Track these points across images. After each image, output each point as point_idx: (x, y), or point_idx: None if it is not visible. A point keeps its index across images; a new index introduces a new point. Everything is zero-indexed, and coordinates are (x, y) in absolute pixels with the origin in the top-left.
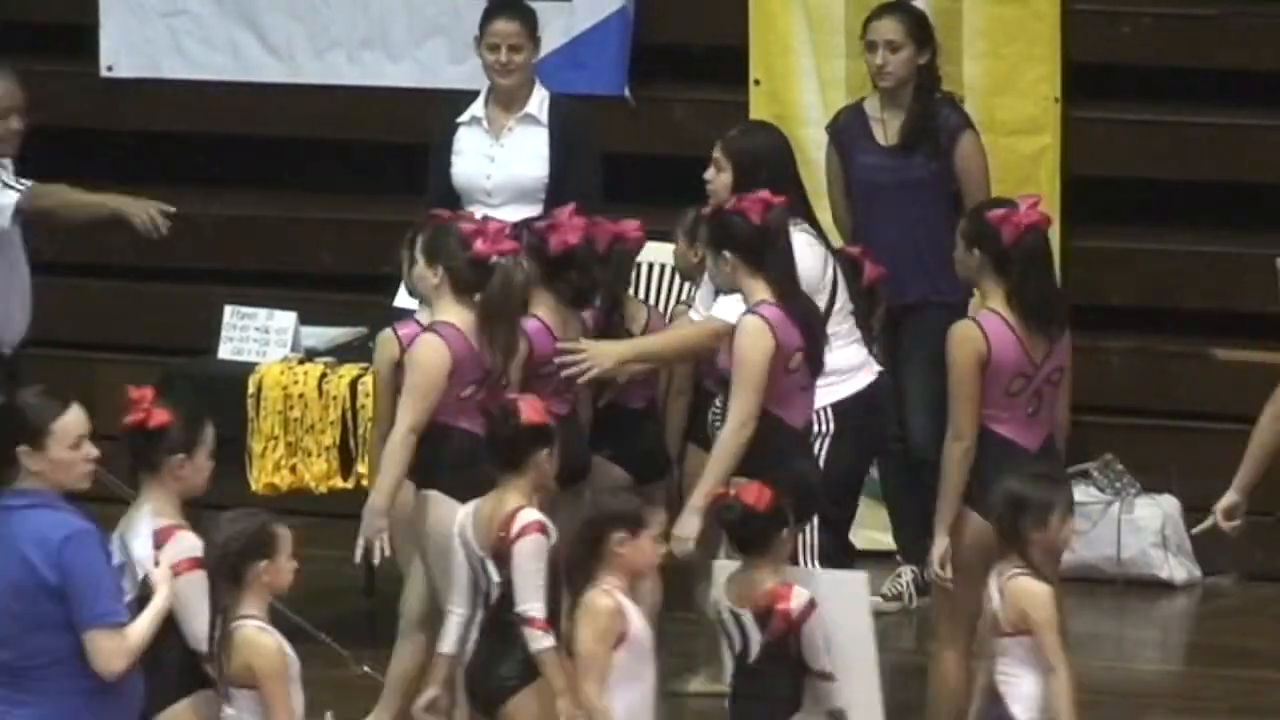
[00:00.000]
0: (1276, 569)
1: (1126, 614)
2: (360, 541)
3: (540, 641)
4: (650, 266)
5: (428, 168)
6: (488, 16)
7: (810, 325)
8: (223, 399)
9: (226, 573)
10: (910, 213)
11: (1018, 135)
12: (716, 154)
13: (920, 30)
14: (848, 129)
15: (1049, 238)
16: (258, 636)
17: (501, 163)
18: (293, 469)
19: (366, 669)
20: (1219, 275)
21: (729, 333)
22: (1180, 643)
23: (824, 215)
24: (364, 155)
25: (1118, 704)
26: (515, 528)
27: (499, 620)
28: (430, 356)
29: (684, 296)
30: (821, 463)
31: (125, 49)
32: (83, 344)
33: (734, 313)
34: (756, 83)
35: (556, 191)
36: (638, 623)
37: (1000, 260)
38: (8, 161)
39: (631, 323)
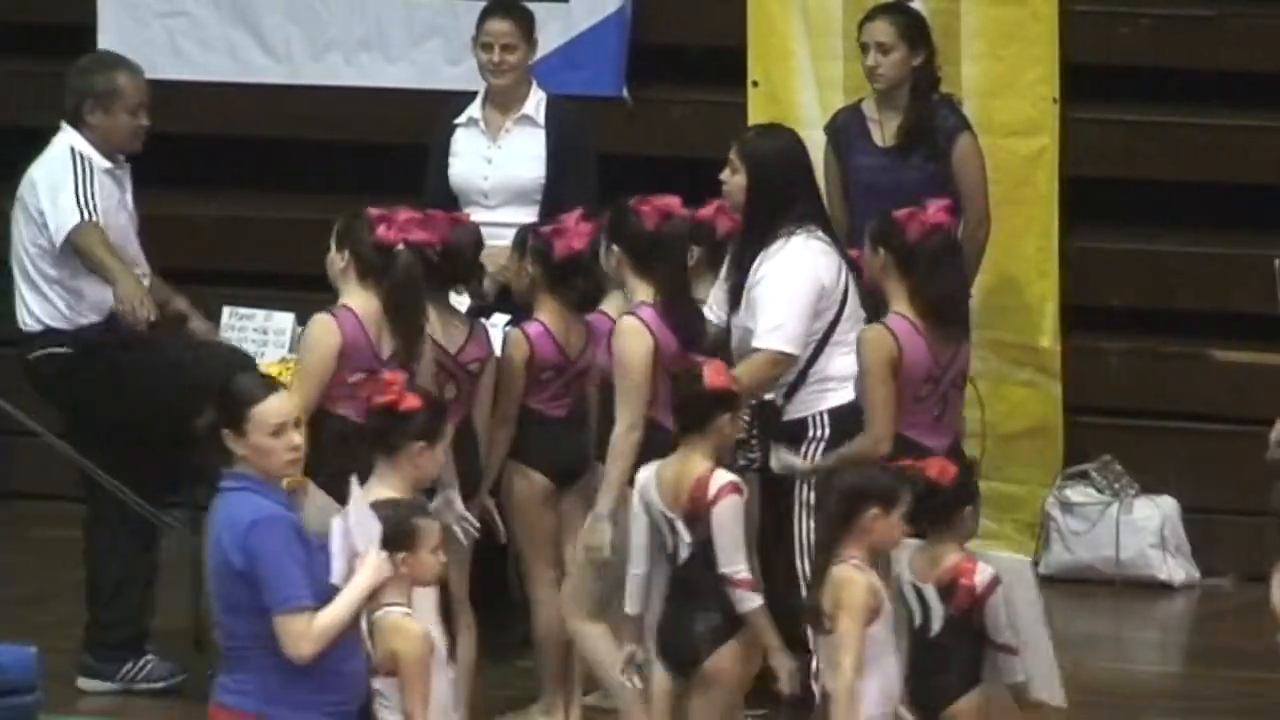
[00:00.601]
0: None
1: (1125, 615)
2: None
3: (750, 601)
4: None
5: (425, 169)
6: (483, 17)
7: (688, 334)
8: None
9: None
10: None
11: (1016, 136)
12: (732, 155)
13: (914, 32)
14: (845, 130)
15: (957, 241)
16: (403, 622)
17: (498, 164)
18: None
19: None
20: (1217, 276)
21: (786, 359)
22: (1179, 643)
23: None
24: (361, 156)
25: (1116, 705)
26: (712, 490)
27: (689, 579)
28: (320, 337)
29: None
30: None
31: (123, 49)
32: None
33: (775, 339)
34: (755, 84)
35: (552, 193)
36: (887, 599)
37: (905, 258)
38: (121, 158)
39: None
